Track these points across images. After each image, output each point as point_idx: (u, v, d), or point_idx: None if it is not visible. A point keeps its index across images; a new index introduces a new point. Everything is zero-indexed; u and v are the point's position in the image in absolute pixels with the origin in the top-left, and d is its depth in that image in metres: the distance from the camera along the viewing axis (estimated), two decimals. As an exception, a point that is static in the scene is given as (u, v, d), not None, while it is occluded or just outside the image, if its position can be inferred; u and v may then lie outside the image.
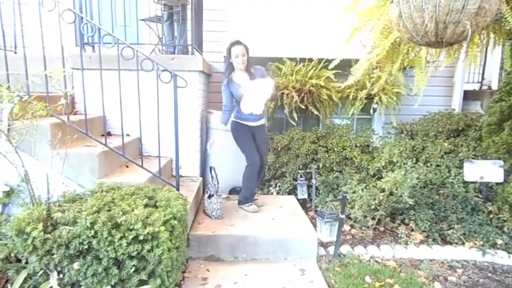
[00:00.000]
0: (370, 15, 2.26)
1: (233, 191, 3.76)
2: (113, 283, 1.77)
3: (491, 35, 2.32)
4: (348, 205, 3.18)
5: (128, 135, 3.07)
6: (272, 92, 3.06)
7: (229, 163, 3.47)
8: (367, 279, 2.48)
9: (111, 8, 3.23)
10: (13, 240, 1.82)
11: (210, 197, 3.02)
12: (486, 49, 2.87)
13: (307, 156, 3.91)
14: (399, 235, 3.07)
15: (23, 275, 1.81)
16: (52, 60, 2.39)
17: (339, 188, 3.60)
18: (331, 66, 2.64)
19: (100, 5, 3.36)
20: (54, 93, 2.37)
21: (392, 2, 1.69)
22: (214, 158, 3.74)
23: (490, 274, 2.67)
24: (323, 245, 2.91)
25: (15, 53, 3.10)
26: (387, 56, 2.46)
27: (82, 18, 2.68)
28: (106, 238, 1.74)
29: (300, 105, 4.08)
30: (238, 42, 3.01)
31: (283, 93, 4.07)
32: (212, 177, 3.14)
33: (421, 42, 1.69)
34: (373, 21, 2.26)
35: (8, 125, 2.15)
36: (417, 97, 2.97)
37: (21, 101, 1.98)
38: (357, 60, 2.60)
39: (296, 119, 4.15)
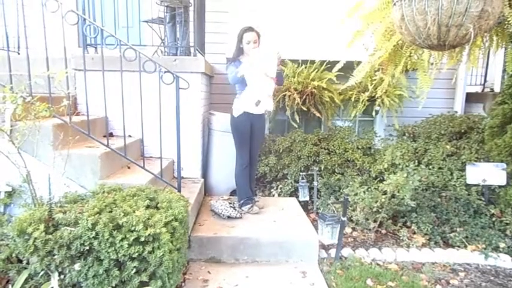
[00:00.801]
0: (372, 18, 2.26)
1: (234, 192, 3.76)
2: (113, 284, 1.77)
3: (494, 38, 2.31)
4: (349, 207, 3.17)
5: (129, 136, 3.07)
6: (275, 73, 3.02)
7: (231, 164, 3.46)
8: (369, 282, 2.47)
9: (113, 9, 3.25)
10: (14, 240, 1.81)
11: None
12: (488, 52, 2.86)
13: (309, 158, 3.91)
14: (401, 238, 3.06)
15: (24, 275, 1.81)
16: (55, 61, 2.40)
17: (341, 190, 3.59)
18: (335, 69, 2.63)
19: (103, 6, 3.38)
20: (57, 94, 2.38)
21: (394, 4, 1.69)
22: (215, 159, 3.74)
23: (492, 277, 2.66)
24: (324, 247, 2.90)
25: (18, 53, 3.12)
26: (390, 59, 2.46)
27: (85, 19, 2.69)
28: (107, 239, 1.74)
29: (302, 107, 4.08)
30: (250, 29, 3.03)
31: (285, 95, 4.07)
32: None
33: (423, 45, 1.68)
34: (375, 23, 2.26)
35: (11, 126, 2.16)
36: (419, 99, 2.96)
37: (24, 102, 1.99)
38: (359, 63, 2.60)
39: (298, 121, 4.15)
